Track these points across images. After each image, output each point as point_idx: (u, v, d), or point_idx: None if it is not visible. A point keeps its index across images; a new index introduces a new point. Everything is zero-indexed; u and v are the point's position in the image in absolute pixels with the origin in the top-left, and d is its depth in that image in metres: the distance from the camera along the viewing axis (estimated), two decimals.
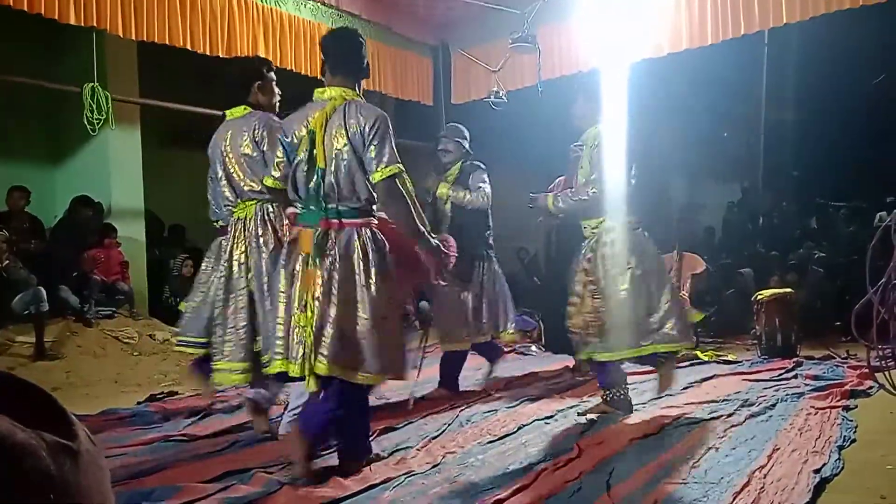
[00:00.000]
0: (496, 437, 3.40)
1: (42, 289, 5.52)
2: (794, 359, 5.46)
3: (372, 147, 2.86)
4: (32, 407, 0.56)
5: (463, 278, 4.54)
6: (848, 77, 10.55)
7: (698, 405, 4.00)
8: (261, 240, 3.40)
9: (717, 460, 2.93)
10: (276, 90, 3.69)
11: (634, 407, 3.99)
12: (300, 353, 2.78)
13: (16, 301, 5.47)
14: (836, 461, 2.82)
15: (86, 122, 5.85)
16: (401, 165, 2.89)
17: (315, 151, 2.87)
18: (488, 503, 2.45)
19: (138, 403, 4.38)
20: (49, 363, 5.38)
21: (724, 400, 4.09)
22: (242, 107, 3.56)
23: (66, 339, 5.83)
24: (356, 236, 2.89)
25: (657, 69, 6.94)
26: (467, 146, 4.78)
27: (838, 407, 3.77)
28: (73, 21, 4.93)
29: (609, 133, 3.83)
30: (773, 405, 3.91)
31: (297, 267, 2.88)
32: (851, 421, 3.49)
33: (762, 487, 2.55)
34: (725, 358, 5.68)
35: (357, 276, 2.85)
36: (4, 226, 5.91)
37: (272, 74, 3.68)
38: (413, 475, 2.84)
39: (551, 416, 3.85)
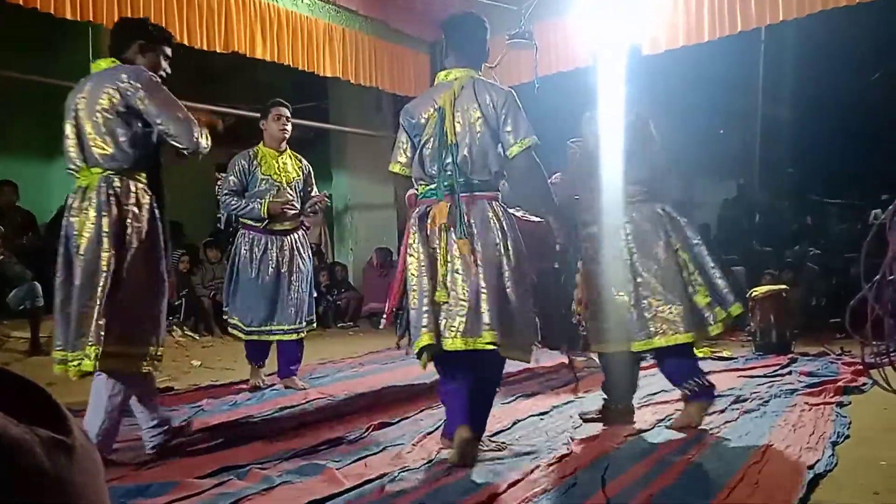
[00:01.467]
0: (491, 433, 3.40)
1: (37, 284, 5.51)
2: (789, 355, 5.48)
3: (508, 121, 2.92)
4: (26, 402, 0.56)
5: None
6: (844, 74, 10.55)
7: None
8: (102, 216, 2.89)
9: (711, 456, 2.94)
10: (165, 65, 3.19)
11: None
12: (459, 327, 2.81)
13: (11, 296, 5.46)
14: (829, 457, 2.84)
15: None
16: (536, 138, 2.95)
17: (446, 128, 2.90)
18: (483, 498, 2.46)
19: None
20: (44, 358, 5.36)
21: (718, 396, 4.09)
22: (111, 59, 3.06)
23: None
24: (489, 208, 2.93)
25: (654, 66, 6.93)
26: None
27: (832, 403, 3.79)
28: (68, 16, 4.93)
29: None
30: (767, 401, 3.93)
31: (434, 242, 2.89)
32: (845, 417, 3.50)
33: (756, 483, 2.56)
34: (720, 354, 5.69)
35: (498, 247, 2.88)
36: None
37: (166, 48, 3.19)
38: (408, 470, 2.84)
39: (546, 412, 3.86)
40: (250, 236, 4.62)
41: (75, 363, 2.87)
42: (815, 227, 10.01)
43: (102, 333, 2.85)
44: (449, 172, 2.89)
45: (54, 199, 6.98)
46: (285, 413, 3.97)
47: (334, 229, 10.03)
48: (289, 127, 4.72)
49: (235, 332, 4.69)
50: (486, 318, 2.80)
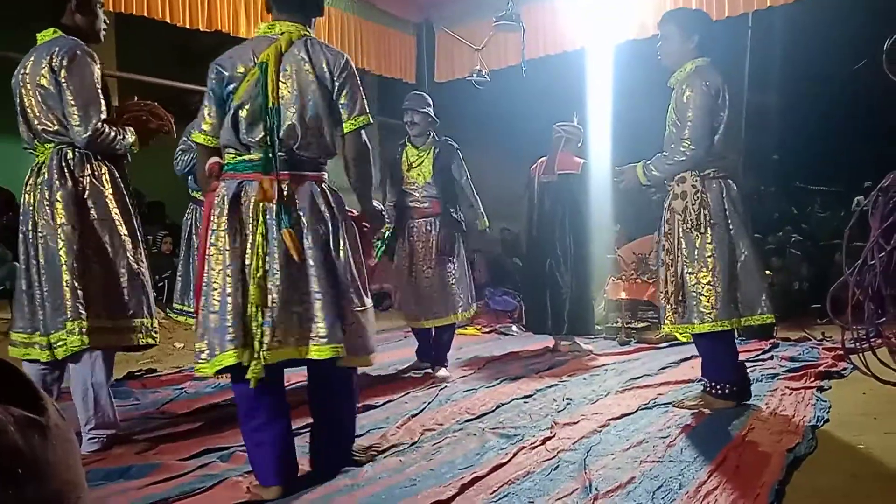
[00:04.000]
0: (475, 416, 3.42)
1: (18, 264, 5.44)
2: (771, 340, 5.52)
3: (344, 92, 2.51)
4: (0, 382, 0.55)
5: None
6: (830, 62, 10.60)
7: (675, 385, 4.05)
8: (56, 190, 2.82)
9: (693, 439, 2.97)
10: (102, 15, 3.06)
11: (613, 388, 4.03)
12: (272, 338, 2.31)
13: None
14: (809, 441, 2.87)
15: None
16: (370, 116, 2.59)
17: (269, 89, 2.41)
18: (466, 480, 2.47)
19: (116, 380, 4.35)
20: None
21: (700, 380, 4.13)
22: (52, 29, 2.94)
23: None
24: (318, 190, 2.49)
25: (642, 50, 6.93)
26: (432, 114, 4.71)
27: (812, 388, 3.83)
28: None
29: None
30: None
31: (247, 228, 2.37)
32: (826, 402, 3.54)
33: (737, 466, 2.59)
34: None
35: (331, 239, 2.46)
36: None
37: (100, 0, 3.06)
38: (391, 453, 2.85)
39: (530, 395, 3.88)
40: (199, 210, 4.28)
41: (60, 344, 2.80)
42: (798, 214, 10.09)
43: (82, 309, 2.79)
44: (271, 144, 2.40)
45: None
46: None
47: None
48: None
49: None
50: (320, 323, 2.36)
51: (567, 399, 3.77)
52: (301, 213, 2.41)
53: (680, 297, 3.38)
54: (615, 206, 7.45)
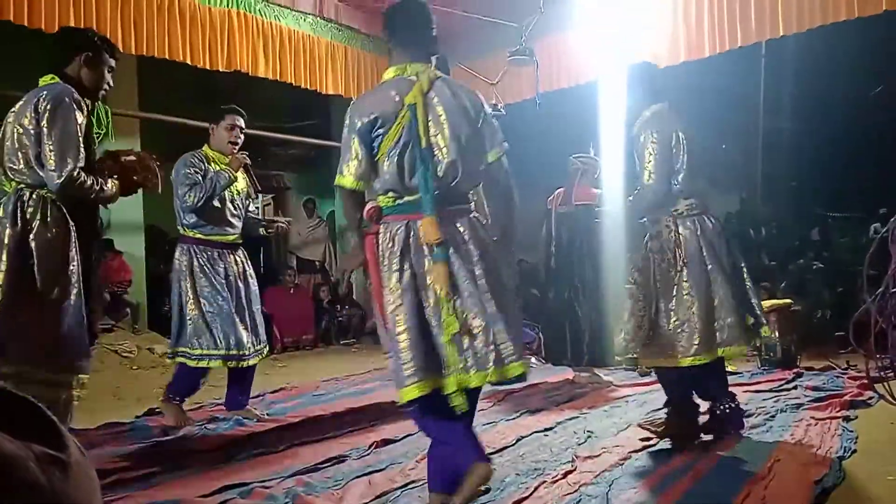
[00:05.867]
0: (495, 449, 3.38)
1: None
2: (794, 370, 5.44)
3: (486, 124, 2.61)
4: (21, 418, 0.56)
5: None
6: (845, 88, 10.58)
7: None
8: (7, 227, 2.83)
9: (718, 472, 2.92)
10: (109, 78, 3.12)
11: (635, 419, 3.98)
12: (486, 361, 2.39)
13: None
14: (836, 472, 2.81)
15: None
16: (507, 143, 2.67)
17: (421, 130, 2.48)
18: None
19: (137, 417, 4.37)
20: None
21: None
22: (51, 76, 3.00)
23: None
24: (478, 224, 2.58)
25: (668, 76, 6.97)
26: None
27: (838, 417, 3.76)
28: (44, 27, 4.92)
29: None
30: (773, 416, 3.90)
31: (422, 264, 2.45)
32: (852, 432, 3.48)
33: (763, 498, 2.54)
34: (726, 369, 5.65)
35: (494, 268, 2.53)
36: None
37: (110, 59, 3.11)
38: (411, 487, 2.82)
39: (550, 428, 3.84)
40: (196, 249, 4.12)
41: None
42: (819, 241, 9.98)
43: None
44: (435, 183, 2.48)
45: None
46: (289, 430, 3.95)
47: (338, 245, 10.05)
48: (240, 140, 4.31)
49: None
50: (506, 348, 2.42)
51: (588, 431, 3.73)
52: (466, 242, 2.49)
53: (650, 334, 3.46)
54: (631, 236, 7.42)
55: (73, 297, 2.89)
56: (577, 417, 4.13)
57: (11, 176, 2.93)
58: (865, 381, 4.31)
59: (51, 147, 2.85)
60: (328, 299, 8.78)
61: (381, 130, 2.51)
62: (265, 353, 4.38)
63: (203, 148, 4.29)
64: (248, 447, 3.57)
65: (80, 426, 3.89)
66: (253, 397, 4.86)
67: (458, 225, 2.50)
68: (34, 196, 2.90)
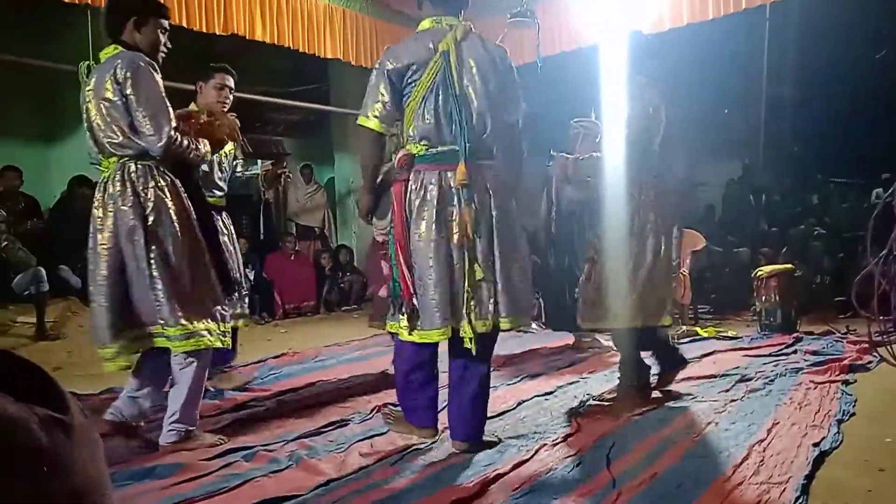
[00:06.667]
0: (496, 413, 3.41)
1: (42, 269, 5.52)
2: (794, 334, 5.46)
3: (511, 83, 2.68)
4: (24, 381, 0.56)
5: None
6: (850, 52, 10.47)
7: (697, 380, 4.02)
8: (119, 202, 2.87)
9: (717, 435, 2.94)
10: (163, 39, 3.07)
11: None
12: (488, 309, 2.61)
13: (16, 281, 5.47)
14: (835, 435, 2.84)
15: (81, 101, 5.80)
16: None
17: (454, 76, 2.52)
18: (489, 477, 2.47)
19: None
20: (51, 343, 5.39)
21: (723, 375, 4.10)
22: (113, 46, 2.98)
23: (67, 320, 5.84)
24: (498, 175, 2.66)
25: (657, 44, 6.89)
26: None
27: (837, 381, 3.78)
28: None
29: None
30: (773, 380, 3.92)
31: (451, 213, 2.56)
32: (851, 395, 3.50)
33: (761, 461, 2.57)
34: (725, 334, 5.69)
35: (511, 218, 2.67)
36: (0, 206, 5.90)
37: (163, 21, 3.07)
38: (413, 449, 2.85)
39: (551, 392, 3.86)
40: None
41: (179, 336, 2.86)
42: (820, 207, 9.97)
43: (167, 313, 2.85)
44: (467, 132, 2.53)
45: (55, 183, 6.99)
46: (292, 395, 3.98)
47: (337, 212, 10.02)
48: (229, 100, 4.14)
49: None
50: (510, 298, 2.65)
51: (588, 395, 3.75)
52: (490, 194, 2.60)
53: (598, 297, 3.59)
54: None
55: (196, 256, 2.96)
56: (578, 382, 4.15)
57: (112, 151, 2.92)
58: (866, 346, 4.33)
59: (143, 114, 2.84)
60: (329, 266, 8.79)
61: (414, 77, 2.56)
62: (247, 315, 4.32)
63: (189, 107, 4.06)
64: (252, 411, 3.60)
65: (83, 391, 3.92)
66: (255, 362, 4.89)
67: (484, 177, 2.60)
68: (140, 166, 2.91)
